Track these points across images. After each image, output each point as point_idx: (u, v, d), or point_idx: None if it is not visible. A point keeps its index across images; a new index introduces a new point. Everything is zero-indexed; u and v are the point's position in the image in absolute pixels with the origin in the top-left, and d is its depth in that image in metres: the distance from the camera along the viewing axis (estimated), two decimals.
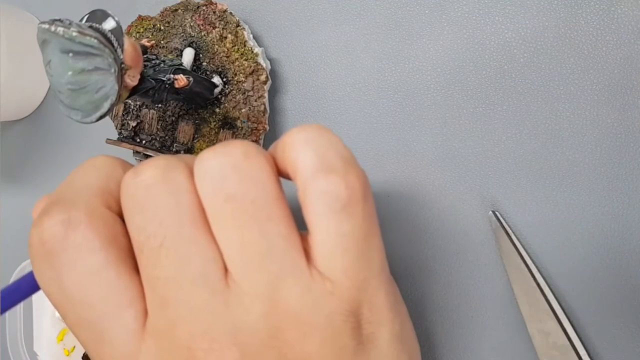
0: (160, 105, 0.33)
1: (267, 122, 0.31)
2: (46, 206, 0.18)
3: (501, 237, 0.27)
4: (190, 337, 0.16)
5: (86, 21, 0.22)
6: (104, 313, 0.17)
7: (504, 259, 0.27)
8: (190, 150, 0.33)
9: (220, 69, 0.32)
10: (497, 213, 0.28)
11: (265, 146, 0.33)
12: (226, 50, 0.32)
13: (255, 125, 0.31)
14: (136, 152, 0.34)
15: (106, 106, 0.22)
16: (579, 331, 0.26)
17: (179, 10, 0.33)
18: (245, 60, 0.31)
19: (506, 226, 0.27)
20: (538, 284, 0.26)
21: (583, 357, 0.25)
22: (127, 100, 0.29)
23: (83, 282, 0.17)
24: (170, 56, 0.32)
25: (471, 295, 0.28)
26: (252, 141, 0.31)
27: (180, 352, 0.16)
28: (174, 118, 0.33)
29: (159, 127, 0.34)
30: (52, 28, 0.21)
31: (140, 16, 0.34)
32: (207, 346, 0.16)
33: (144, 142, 0.34)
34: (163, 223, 0.16)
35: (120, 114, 0.35)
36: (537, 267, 0.27)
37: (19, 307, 0.39)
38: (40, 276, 0.18)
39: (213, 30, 0.32)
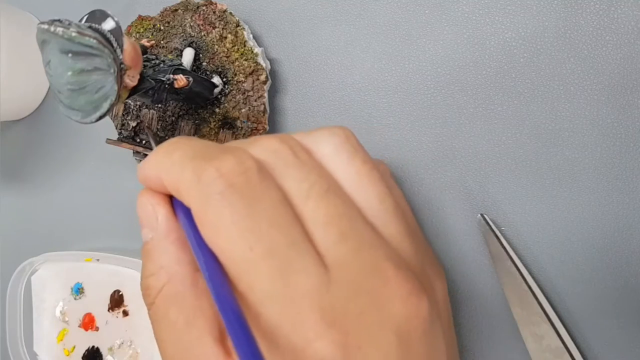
0: (160, 105, 0.33)
1: (267, 122, 0.31)
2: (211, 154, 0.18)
3: (491, 241, 0.27)
4: (374, 262, 0.18)
5: (85, 21, 0.22)
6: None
7: (495, 262, 0.27)
8: None
9: (220, 69, 0.32)
10: (485, 216, 0.27)
11: None
12: (226, 50, 0.32)
13: (255, 125, 0.31)
14: (136, 152, 0.34)
15: (106, 106, 0.22)
16: (574, 333, 0.26)
17: (179, 10, 0.33)
18: (245, 60, 0.31)
19: (495, 229, 0.27)
20: (530, 287, 0.26)
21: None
22: (127, 101, 0.29)
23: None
24: (170, 56, 0.32)
25: (464, 298, 0.28)
26: None
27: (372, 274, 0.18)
28: (174, 118, 0.33)
29: (159, 127, 0.34)
30: (52, 28, 0.21)
31: (140, 16, 0.34)
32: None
33: (144, 142, 0.34)
34: (320, 174, 0.19)
35: (120, 114, 0.35)
36: (528, 269, 0.27)
37: (19, 307, 0.39)
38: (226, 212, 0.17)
39: (213, 30, 0.32)
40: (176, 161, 0.19)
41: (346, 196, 0.19)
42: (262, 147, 0.19)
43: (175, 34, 0.33)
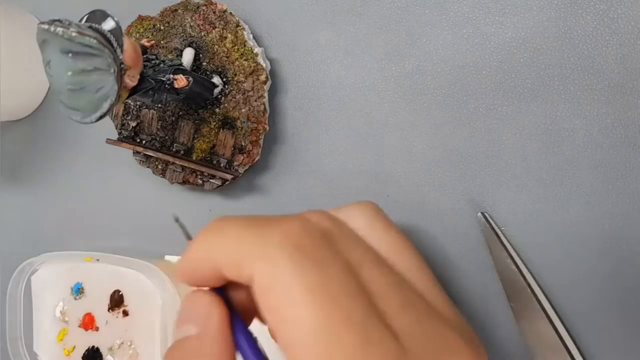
0: (160, 105, 0.33)
1: (267, 122, 0.31)
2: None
3: (490, 238, 0.27)
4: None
5: (86, 21, 0.22)
6: None
7: (494, 260, 0.27)
8: (190, 150, 0.33)
9: (220, 69, 0.32)
10: (486, 214, 0.28)
11: (265, 146, 0.33)
12: (226, 50, 0.32)
13: (255, 125, 0.31)
14: (136, 152, 0.34)
15: (106, 106, 0.22)
16: (572, 330, 0.26)
17: (179, 10, 0.33)
18: (245, 60, 0.31)
19: (495, 227, 0.27)
20: (529, 285, 0.26)
21: (575, 357, 0.25)
22: (127, 101, 0.29)
23: None
24: (170, 56, 0.32)
25: (464, 296, 0.28)
26: (252, 141, 0.31)
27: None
28: (174, 118, 0.33)
29: (158, 127, 0.34)
30: (52, 28, 0.21)
31: (140, 16, 0.34)
32: None
33: (144, 142, 0.34)
34: (364, 245, 0.19)
35: (120, 114, 0.35)
36: (527, 267, 0.27)
37: (19, 307, 0.39)
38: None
39: (213, 30, 0.32)
40: (231, 234, 0.18)
41: (390, 266, 0.19)
42: (311, 219, 0.19)
43: (175, 34, 0.33)
